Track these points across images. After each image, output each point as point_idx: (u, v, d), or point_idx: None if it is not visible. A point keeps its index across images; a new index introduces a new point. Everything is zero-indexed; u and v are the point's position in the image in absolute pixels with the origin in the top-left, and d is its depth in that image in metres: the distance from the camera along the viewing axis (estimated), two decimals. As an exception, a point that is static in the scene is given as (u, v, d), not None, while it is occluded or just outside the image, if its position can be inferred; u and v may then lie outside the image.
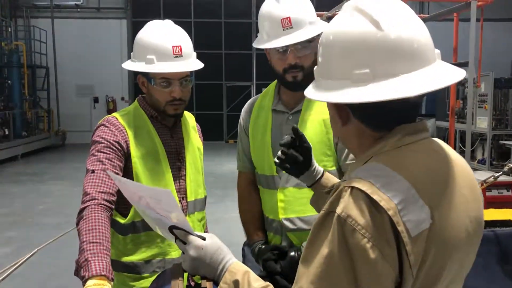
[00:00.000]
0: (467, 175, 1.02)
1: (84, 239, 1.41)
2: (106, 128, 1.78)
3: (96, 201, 1.55)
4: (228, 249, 1.15)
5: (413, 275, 0.87)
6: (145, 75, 1.81)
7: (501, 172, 3.34)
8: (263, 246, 1.85)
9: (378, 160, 0.94)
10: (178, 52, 1.76)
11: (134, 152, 1.78)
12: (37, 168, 11.58)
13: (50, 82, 16.54)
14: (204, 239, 1.14)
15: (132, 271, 1.81)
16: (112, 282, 1.32)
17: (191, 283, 1.71)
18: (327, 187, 1.46)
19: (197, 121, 2.10)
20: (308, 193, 1.58)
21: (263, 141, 1.92)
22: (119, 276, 1.79)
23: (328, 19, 6.43)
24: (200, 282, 1.18)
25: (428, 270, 0.89)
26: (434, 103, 12.20)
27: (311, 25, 1.74)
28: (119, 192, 1.60)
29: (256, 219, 1.98)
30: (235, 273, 1.08)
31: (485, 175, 4.39)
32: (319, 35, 1.77)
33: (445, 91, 10.31)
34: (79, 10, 16.92)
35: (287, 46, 1.74)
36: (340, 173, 1.82)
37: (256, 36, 1.85)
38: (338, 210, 0.87)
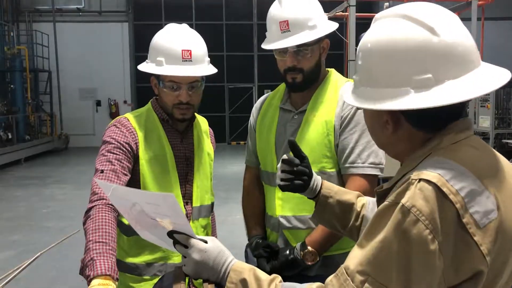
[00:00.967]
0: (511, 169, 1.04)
1: (90, 238, 1.42)
2: (117, 129, 1.78)
3: (104, 201, 1.55)
4: (229, 251, 1.15)
5: (488, 265, 0.88)
6: (157, 77, 1.82)
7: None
8: (260, 241, 1.87)
9: (440, 155, 0.95)
10: (188, 56, 1.75)
11: (143, 155, 1.79)
12: (40, 171, 11.59)
13: (52, 86, 16.57)
14: (206, 242, 1.14)
15: (134, 272, 1.81)
16: (117, 282, 1.32)
17: (191, 287, 1.71)
18: (332, 190, 1.43)
19: (199, 123, 2.09)
20: None
21: (268, 138, 1.94)
22: (121, 276, 1.78)
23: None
24: (199, 287, 1.17)
25: (492, 263, 0.90)
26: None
27: (311, 29, 1.75)
28: None
29: (256, 214, 2.00)
30: (240, 271, 1.08)
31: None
32: (320, 38, 1.79)
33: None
34: (80, 14, 16.96)
35: (285, 49, 1.75)
36: (340, 176, 1.82)
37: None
38: (403, 200, 0.88)
